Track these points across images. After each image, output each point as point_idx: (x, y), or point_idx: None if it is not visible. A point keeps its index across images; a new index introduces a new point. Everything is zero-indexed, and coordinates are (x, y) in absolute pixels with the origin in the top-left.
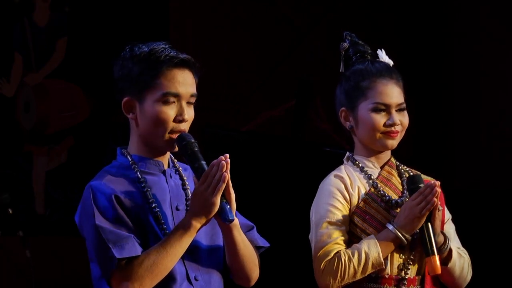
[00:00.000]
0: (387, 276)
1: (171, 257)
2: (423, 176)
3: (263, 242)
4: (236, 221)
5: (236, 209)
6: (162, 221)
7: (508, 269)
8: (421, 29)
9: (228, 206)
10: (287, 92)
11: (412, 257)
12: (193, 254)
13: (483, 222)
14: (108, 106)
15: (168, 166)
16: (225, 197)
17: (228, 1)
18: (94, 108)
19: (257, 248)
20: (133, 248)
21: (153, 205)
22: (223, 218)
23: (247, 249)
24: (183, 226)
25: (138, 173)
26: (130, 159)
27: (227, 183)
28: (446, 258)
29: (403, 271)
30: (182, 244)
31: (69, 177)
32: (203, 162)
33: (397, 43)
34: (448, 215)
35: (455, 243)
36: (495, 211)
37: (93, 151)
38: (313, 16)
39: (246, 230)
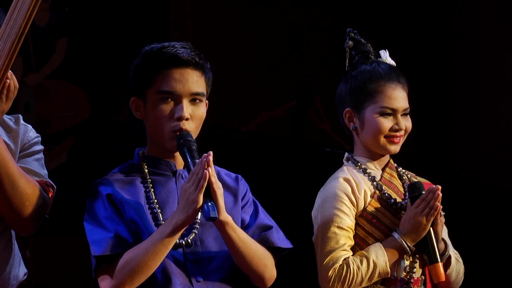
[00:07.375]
0: (393, 278)
1: (152, 254)
2: (419, 178)
3: (283, 244)
4: (228, 218)
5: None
6: (160, 221)
7: (508, 269)
8: (421, 29)
9: (210, 204)
10: (287, 92)
11: (417, 260)
12: (200, 262)
13: (483, 222)
14: (108, 106)
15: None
16: (210, 194)
17: (228, 1)
18: (94, 108)
19: (274, 249)
20: (111, 246)
21: (153, 206)
22: (205, 216)
23: (248, 248)
24: (166, 225)
25: (145, 173)
26: (141, 159)
27: (210, 180)
28: (445, 264)
29: (410, 273)
30: (164, 242)
31: (69, 177)
32: (197, 161)
33: (397, 43)
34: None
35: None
36: (495, 212)
37: (93, 151)
38: (313, 16)
39: (261, 231)
